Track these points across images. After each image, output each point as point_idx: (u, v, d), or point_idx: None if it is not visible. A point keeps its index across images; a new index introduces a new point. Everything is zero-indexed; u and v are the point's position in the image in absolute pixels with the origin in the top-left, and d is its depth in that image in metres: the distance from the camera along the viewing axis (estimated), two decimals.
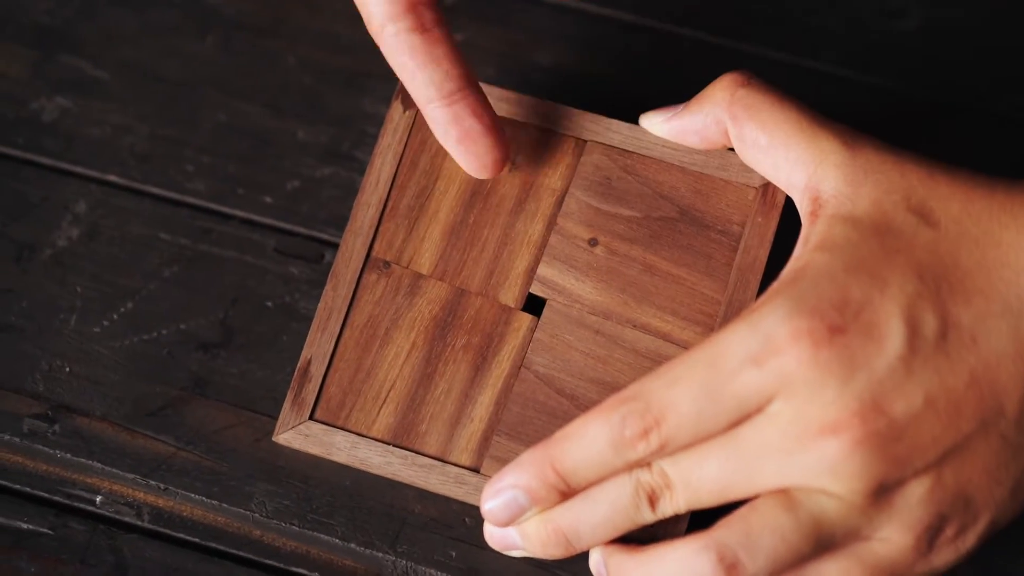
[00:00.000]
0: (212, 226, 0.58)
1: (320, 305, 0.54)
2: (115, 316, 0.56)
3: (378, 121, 0.60)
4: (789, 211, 0.53)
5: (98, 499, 0.54)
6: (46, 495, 0.54)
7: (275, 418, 0.55)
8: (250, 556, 0.53)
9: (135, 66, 0.61)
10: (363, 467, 0.52)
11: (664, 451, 0.46)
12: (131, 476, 0.54)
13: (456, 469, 0.52)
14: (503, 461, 0.52)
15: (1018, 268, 0.47)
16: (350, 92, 0.61)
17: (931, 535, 0.46)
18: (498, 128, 0.52)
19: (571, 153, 0.57)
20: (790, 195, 0.51)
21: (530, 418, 0.53)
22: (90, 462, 0.54)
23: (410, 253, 0.55)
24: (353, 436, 0.53)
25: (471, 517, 0.53)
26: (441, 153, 0.56)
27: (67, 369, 0.56)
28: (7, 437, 0.54)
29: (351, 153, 0.60)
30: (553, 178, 0.56)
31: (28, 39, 0.62)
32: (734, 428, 0.46)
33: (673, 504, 0.47)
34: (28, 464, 0.54)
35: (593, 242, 0.55)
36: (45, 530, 0.53)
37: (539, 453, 0.48)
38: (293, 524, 0.53)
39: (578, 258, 0.55)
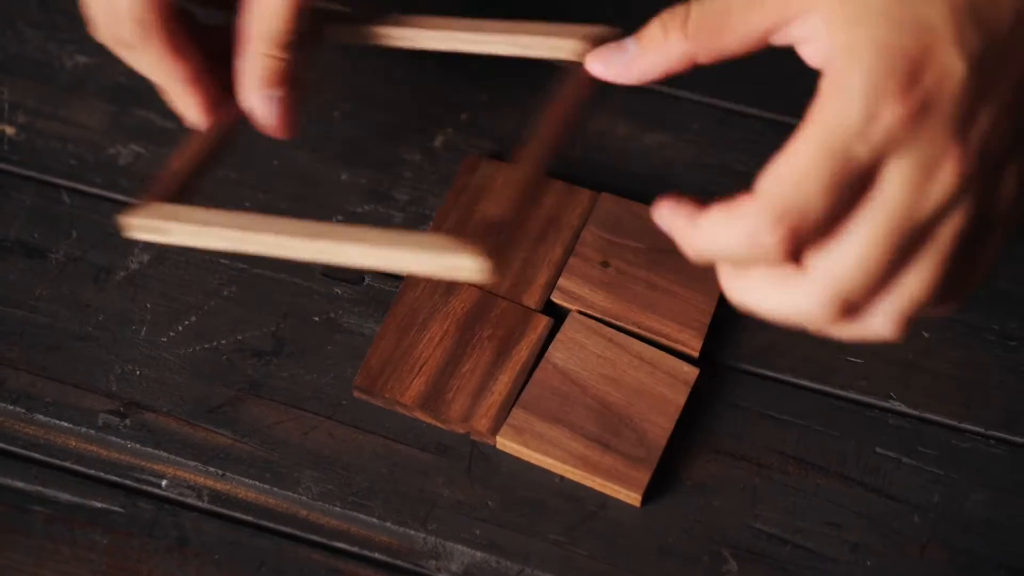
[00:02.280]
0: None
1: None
2: (180, 328, 0.64)
3: (412, 166, 0.68)
4: None
5: (163, 483, 0.61)
6: (117, 479, 0.61)
7: (320, 415, 0.62)
8: (297, 532, 0.60)
9: None
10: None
11: (804, 247, 0.49)
12: (193, 463, 0.61)
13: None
14: (518, 428, 0.60)
15: None
16: (387, 141, 0.69)
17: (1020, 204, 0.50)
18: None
19: (588, 200, 0.66)
20: (801, 44, 0.53)
21: (545, 397, 0.60)
22: (156, 451, 0.61)
23: None
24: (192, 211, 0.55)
25: (493, 500, 0.60)
26: (478, 193, 0.66)
27: (137, 372, 0.63)
28: (84, 429, 0.61)
29: (388, 193, 0.68)
30: (572, 217, 0.65)
31: (107, 95, 0.70)
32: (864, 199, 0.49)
33: None
34: (102, 452, 0.61)
35: (605, 264, 0.64)
36: (116, 508, 0.60)
37: (686, 242, 0.51)
38: (335, 505, 0.60)
39: (593, 275, 0.63)
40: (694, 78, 0.71)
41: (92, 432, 0.61)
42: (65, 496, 0.60)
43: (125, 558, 0.59)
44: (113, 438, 0.61)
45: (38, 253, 0.66)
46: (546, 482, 0.60)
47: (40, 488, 0.60)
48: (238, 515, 0.60)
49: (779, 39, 0.53)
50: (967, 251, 0.51)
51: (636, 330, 0.63)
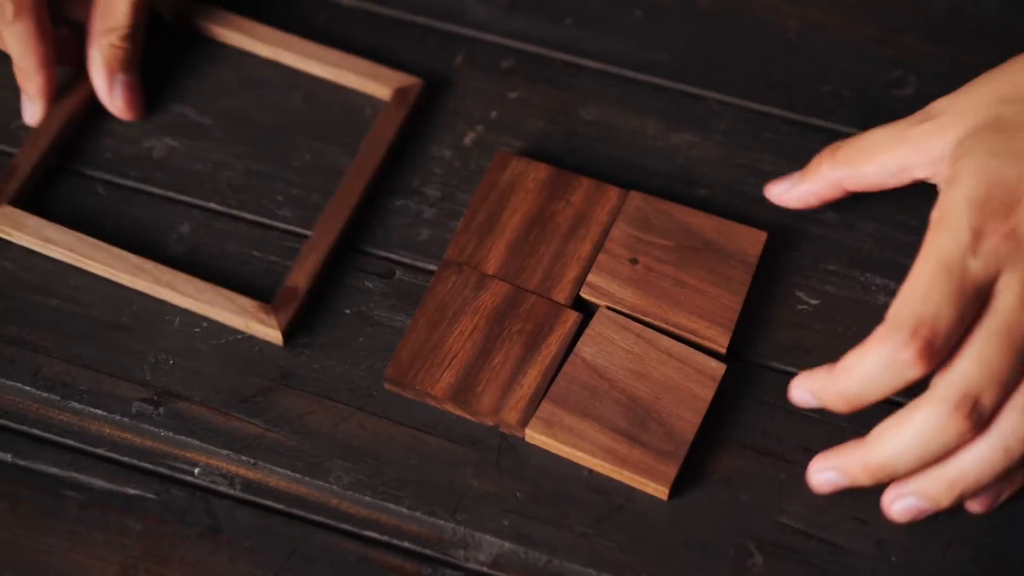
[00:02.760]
0: (297, 246, 0.67)
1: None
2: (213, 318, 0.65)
3: (441, 163, 0.69)
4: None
5: (196, 471, 0.61)
6: (151, 466, 0.61)
7: (351, 406, 0.62)
8: (328, 521, 0.60)
9: (232, 114, 0.71)
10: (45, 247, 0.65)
11: (939, 353, 0.54)
12: (225, 452, 0.62)
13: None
14: (547, 421, 0.60)
15: None
16: (418, 138, 0.70)
17: None
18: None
19: (616, 198, 0.66)
20: (930, 180, 0.61)
21: (574, 391, 0.61)
22: (189, 440, 0.62)
23: (479, 259, 0.65)
24: (42, 219, 0.65)
25: (522, 491, 0.61)
26: (509, 189, 0.67)
27: (171, 362, 0.64)
28: (118, 417, 0.62)
29: (419, 189, 0.69)
30: (601, 214, 0.66)
31: (144, 92, 0.71)
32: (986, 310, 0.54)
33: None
34: (135, 440, 0.62)
35: (634, 261, 0.64)
36: (150, 495, 0.61)
37: (808, 382, 0.57)
38: (366, 495, 0.61)
39: (621, 271, 0.64)
40: (721, 79, 0.72)
41: (126, 420, 0.62)
42: (99, 482, 0.61)
43: (157, 544, 0.59)
44: (147, 426, 0.62)
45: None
46: (574, 475, 0.61)
47: (74, 474, 0.61)
48: (269, 503, 0.61)
49: (919, 174, 0.61)
50: None
51: (664, 326, 0.63)
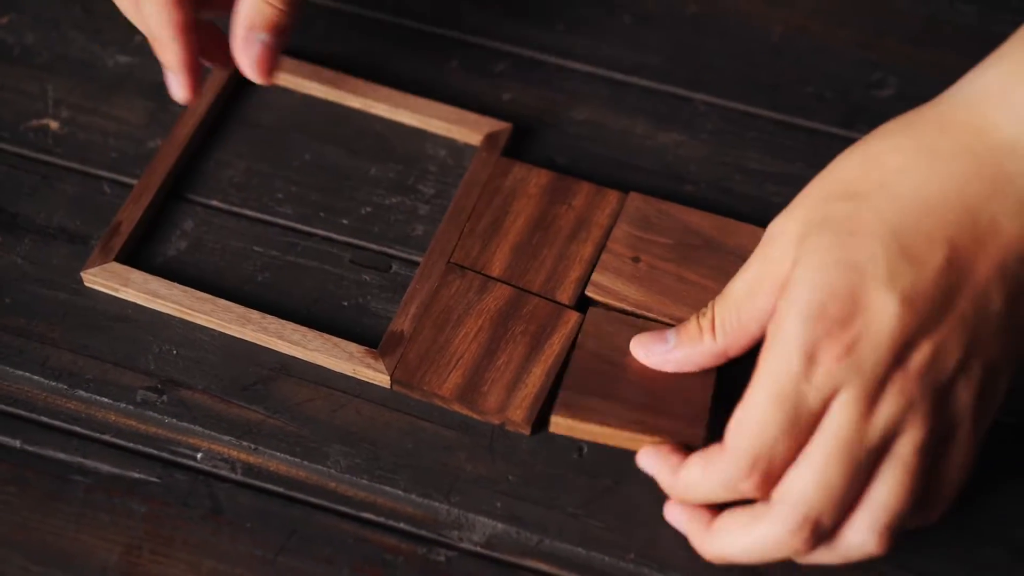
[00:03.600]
0: (298, 241, 0.69)
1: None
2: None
3: (437, 162, 0.71)
4: None
5: (198, 456, 0.63)
6: (155, 452, 0.63)
7: (349, 394, 0.65)
8: (326, 503, 0.62)
9: (235, 113, 0.73)
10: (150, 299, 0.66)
11: (770, 478, 0.55)
12: (227, 438, 0.64)
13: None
14: (570, 406, 0.61)
15: (947, 187, 0.54)
16: (414, 139, 0.72)
17: (982, 408, 0.55)
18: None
19: (616, 200, 0.69)
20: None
21: (588, 379, 0.62)
22: (192, 426, 0.64)
23: (483, 262, 0.67)
24: (146, 274, 0.66)
25: (513, 475, 0.63)
26: (510, 195, 0.69)
27: (174, 352, 0.66)
28: (123, 405, 0.64)
29: (415, 186, 0.71)
30: (601, 217, 0.68)
31: (146, 93, 0.74)
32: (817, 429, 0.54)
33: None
34: (140, 427, 0.64)
35: (636, 259, 0.67)
36: (153, 479, 0.63)
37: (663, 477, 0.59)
38: (363, 478, 0.63)
39: (624, 270, 0.66)
40: (708, 81, 0.74)
41: (131, 408, 0.64)
42: (105, 467, 0.63)
43: (161, 525, 0.61)
44: (151, 413, 0.64)
45: (80, 239, 0.69)
46: (564, 459, 0.63)
47: (81, 459, 0.63)
48: (270, 486, 0.63)
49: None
50: (934, 460, 0.55)
51: (668, 321, 0.65)
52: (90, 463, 0.63)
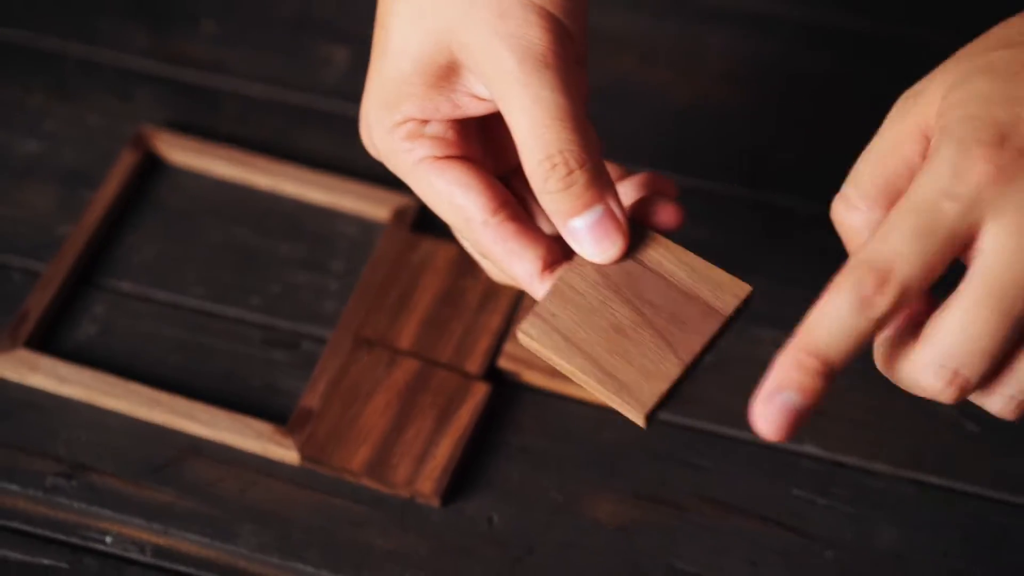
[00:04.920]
0: (208, 323, 0.69)
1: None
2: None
3: (347, 238, 0.72)
4: None
5: (108, 539, 0.63)
6: (64, 537, 0.63)
7: (260, 473, 0.64)
8: None
9: (145, 197, 0.73)
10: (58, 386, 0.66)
11: (904, 298, 0.48)
12: (137, 520, 0.63)
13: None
14: (539, 328, 0.55)
15: None
16: (323, 217, 0.73)
17: None
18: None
19: None
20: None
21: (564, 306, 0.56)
22: (102, 510, 0.64)
23: (392, 336, 0.68)
24: (55, 360, 0.66)
25: (424, 548, 0.63)
26: (418, 269, 0.70)
27: (84, 436, 0.66)
28: (32, 491, 0.64)
29: (325, 264, 0.71)
30: (509, 288, 0.68)
31: (56, 179, 0.74)
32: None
33: None
34: (50, 513, 0.64)
35: None
36: (63, 565, 0.62)
37: (790, 349, 0.49)
38: (273, 557, 0.62)
39: None
40: (615, 148, 0.75)
41: (40, 494, 0.64)
42: (14, 555, 0.62)
43: None
44: (60, 499, 0.64)
45: None
46: (475, 529, 0.63)
47: None
48: (180, 568, 0.62)
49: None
50: None
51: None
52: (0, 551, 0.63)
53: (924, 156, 0.52)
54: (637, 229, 0.55)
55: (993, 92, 0.50)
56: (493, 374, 0.67)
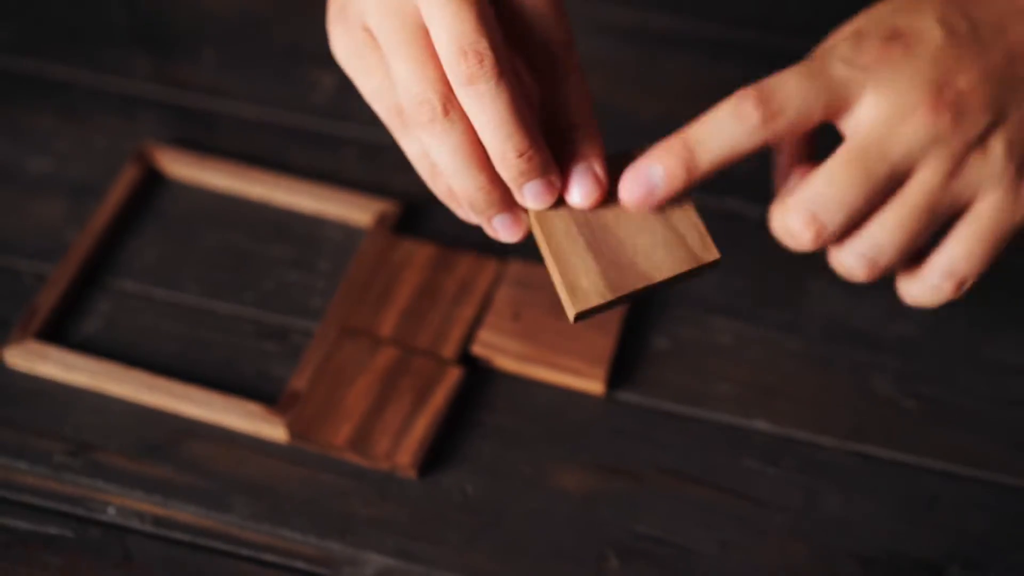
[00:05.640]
0: (204, 318, 0.75)
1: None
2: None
3: (332, 242, 0.78)
4: None
5: (111, 510, 0.68)
6: (70, 509, 0.68)
7: (251, 449, 0.70)
8: (230, 548, 0.67)
9: (146, 206, 0.79)
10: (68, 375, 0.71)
11: (775, 124, 0.55)
12: (137, 493, 0.68)
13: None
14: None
15: None
16: (311, 223, 0.79)
17: (1018, 179, 0.56)
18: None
19: (495, 267, 0.76)
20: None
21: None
22: (106, 484, 0.69)
23: (375, 326, 0.73)
24: (62, 350, 0.72)
25: (403, 515, 0.68)
26: (399, 266, 0.75)
27: (89, 419, 0.71)
28: (40, 468, 0.69)
29: (312, 264, 0.77)
30: (482, 282, 0.75)
31: (64, 192, 0.80)
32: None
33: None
34: (56, 487, 0.69)
35: (517, 316, 0.73)
36: (68, 534, 0.67)
37: (670, 138, 0.56)
38: (264, 524, 0.68)
39: (506, 326, 0.73)
40: None
41: (48, 470, 0.69)
42: (23, 525, 0.67)
43: (76, 574, 0.66)
44: (67, 474, 0.69)
45: (2, 325, 0.74)
46: (450, 499, 0.68)
47: (0, 519, 0.68)
48: (177, 535, 0.67)
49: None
50: (948, 215, 0.57)
51: (550, 368, 0.72)
52: (9, 522, 0.68)
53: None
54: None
55: (896, 7, 0.57)
56: (467, 360, 0.73)
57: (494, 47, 0.52)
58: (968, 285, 0.59)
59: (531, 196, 0.57)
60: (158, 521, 0.68)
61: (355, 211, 0.78)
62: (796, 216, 0.57)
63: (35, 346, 0.72)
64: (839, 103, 0.56)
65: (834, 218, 0.56)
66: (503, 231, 0.58)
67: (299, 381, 0.71)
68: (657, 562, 0.66)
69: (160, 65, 0.86)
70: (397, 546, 0.67)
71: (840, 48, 0.56)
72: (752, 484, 0.69)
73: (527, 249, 0.77)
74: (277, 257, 0.77)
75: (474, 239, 0.78)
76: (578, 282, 0.58)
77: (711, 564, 0.66)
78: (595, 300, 0.57)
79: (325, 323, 0.73)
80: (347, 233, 0.78)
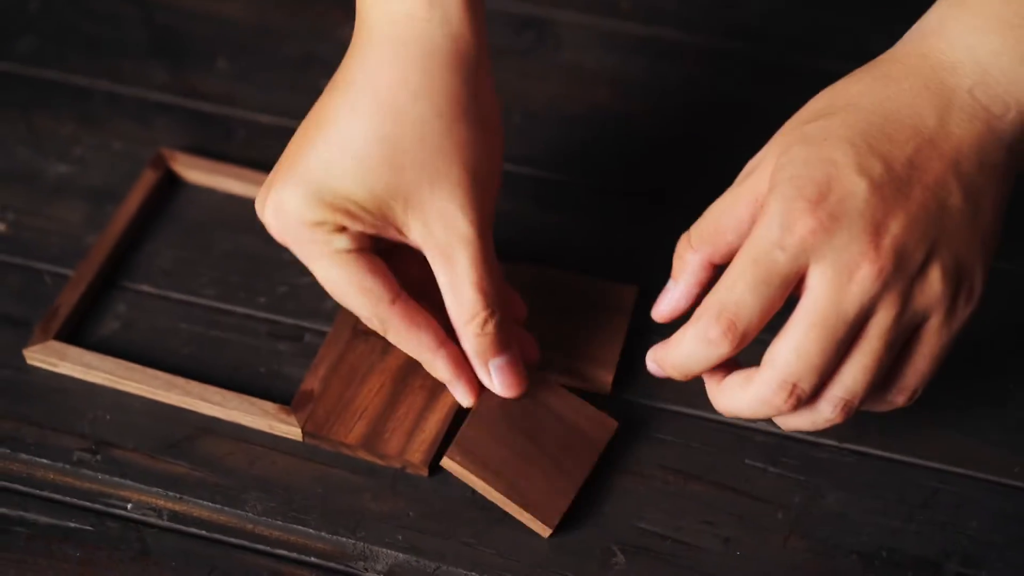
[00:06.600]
0: (219, 319, 0.77)
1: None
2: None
3: None
4: None
5: (128, 506, 0.70)
6: (89, 504, 0.70)
7: (265, 447, 0.72)
8: (244, 543, 0.69)
9: (163, 210, 0.81)
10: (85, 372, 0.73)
11: (745, 340, 0.61)
12: (155, 489, 0.70)
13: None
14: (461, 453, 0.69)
15: (911, 95, 0.61)
16: None
17: (954, 299, 0.61)
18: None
19: (504, 269, 0.76)
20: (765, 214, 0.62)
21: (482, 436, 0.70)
22: (123, 481, 0.71)
23: None
24: (81, 350, 0.74)
25: (414, 511, 0.70)
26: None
27: (107, 417, 0.73)
28: (61, 465, 0.71)
29: None
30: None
31: (84, 196, 0.82)
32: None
33: None
34: (76, 483, 0.71)
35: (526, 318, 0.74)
36: (87, 527, 0.69)
37: (655, 358, 0.65)
38: (277, 520, 0.69)
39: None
40: (589, 169, 0.83)
41: (68, 467, 0.71)
42: (43, 519, 0.69)
43: (94, 567, 0.68)
44: (86, 471, 0.71)
45: (23, 324, 0.76)
46: (460, 496, 0.70)
47: (22, 513, 0.69)
48: (193, 530, 0.69)
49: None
50: (905, 347, 0.62)
51: (558, 373, 0.73)
52: (30, 516, 0.69)
53: (754, 218, 0.63)
54: (534, 375, 0.71)
55: (809, 157, 0.61)
56: None
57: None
58: (918, 395, 0.64)
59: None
60: (174, 516, 0.70)
61: None
62: (769, 388, 0.61)
63: (56, 346, 0.74)
64: (791, 287, 0.61)
65: (810, 382, 0.61)
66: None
67: (312, 380, 0.73)
68: (662, 558, 0.68)
69: (176, 74, 0.88)
70: (408, 541, 0.69)
71: (773, 233, 0.60)
72: (753, 481, 0.71)
73: (537, 253, 0.79)
74: (291, 260, 0.79)
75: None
76: (534, 498, 0.68)
77: (714, 560, 0.68)
78: (563, 505, 0.68)
79: (338, 324, 0.75)
80: None
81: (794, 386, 0.61)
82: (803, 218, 0.60)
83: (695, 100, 0.87)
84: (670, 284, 0.67)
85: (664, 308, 0.67)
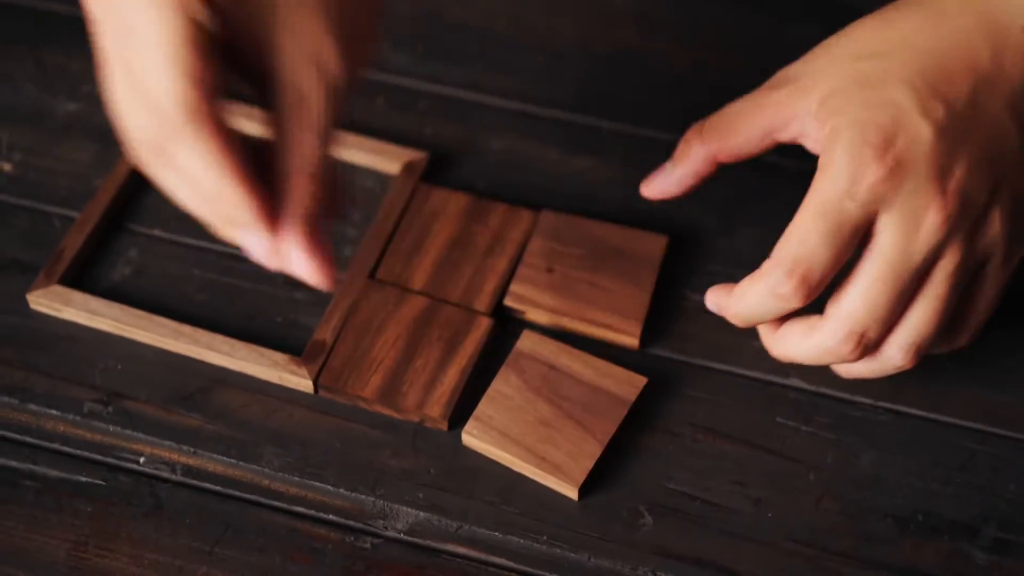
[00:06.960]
0: (234, 265, 0.74)
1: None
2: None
3: (363, 191, 0.77)
4: None
5: (141, 459, 0.68)
6: (100, 457, 0.68)
7: (281, 400, 0.69)
8: (260, 499, 0.67)
9: None
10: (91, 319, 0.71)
11: (816, 292, 0.60)
12: (168, 443, 0.68)
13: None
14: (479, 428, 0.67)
15: (970, 37, 0.61)
16: (345, 171, 0.78)
17: (1012, 239, 0.61)
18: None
19: (529, 218, 0.75)
20: (795, 141, 0.64)
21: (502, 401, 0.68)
22: (135, 434, 0.69)
23: (407, 277, 0.73)
24: (86, 295, 0.71)
25: (434, 468, 0.67)
26: (430, 217, 0.75)
27: (118, 366, 0.71)
28: (71, 416, 0.69)
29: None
30: (516, 233, 0.74)
31: (93, 136, 0.79)
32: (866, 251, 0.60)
33: None
34: (87, 435, 0.69)
35: (551, 269, 0.72)
36: (99, 481, 0.67)
37: (722, 304, 0.65)
38: (294, 475, 0.67)
39: (540, 279, 0.72)
40: (616, 111, 0.80)
41: (78, 418, 0.69)
42: (54, 472, 0.67)
43: (106, 522, 0.66)
44: (97, 423, 0.69)
45: (31, 269, 0.74)
46: (480, 453, 0.68)
47: (32, 466, 0.67)
48: (207, 485, 0.67)
49: (783, 137, 0.64)
50: (965, 288, 0.62)
51: (583, 323, 0.71)
52: (40, 469, 0.67)
53: (772, 130, 0.63)
54: (545, 341, 0.70)
55: (869, 99, 0.60)
56: (499, 314, 0.72)
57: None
58: (978, 333, 0.66)
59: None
60: (188, 471, 0.68)
61: (383, 160, 0.77)
62: (835, 338, 0.61)
63: (59, 290, 0.72)
64: (861, 236, 0.60)
65: (878, 331, 0.61)
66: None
67: (324, 331, 0.71)
68: (690, 519, 0.66)
69: None
70: (429, 499, 0.67)
71: (841, 182, 0.59)
72: (785, 440, 0.68)
73: (562, 199, 0.76)
74: None
75: (506, 191, 0.77)
76: (557, 461, 0.66)
77: (744, 521, 0.66)
78: (589, 463, 0.66)
79: (352, 271, 0.73)
80: (378, 181, 0.78)
81: (861, 335, 0.61)
82: (872, 166, 0.59)
83: (727, 39, 0.84)
84: (667, 166, 0.68)
85: (655, 187, 0.68)
